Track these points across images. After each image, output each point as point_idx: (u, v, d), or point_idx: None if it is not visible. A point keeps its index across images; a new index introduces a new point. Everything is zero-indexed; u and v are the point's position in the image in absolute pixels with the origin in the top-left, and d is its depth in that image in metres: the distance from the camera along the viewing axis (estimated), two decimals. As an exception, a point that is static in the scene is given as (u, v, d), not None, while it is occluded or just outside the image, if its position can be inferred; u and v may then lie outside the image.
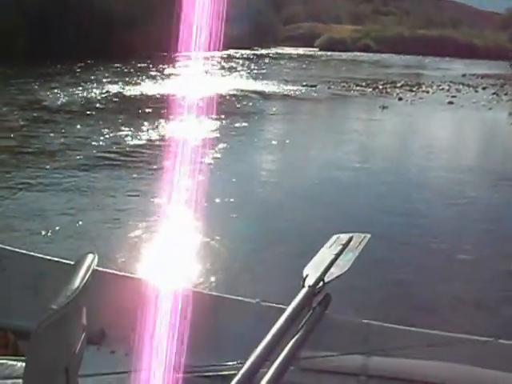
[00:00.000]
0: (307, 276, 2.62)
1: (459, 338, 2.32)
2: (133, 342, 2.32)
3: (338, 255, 2.83)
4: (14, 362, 1.93)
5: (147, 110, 13.19)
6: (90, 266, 1.70)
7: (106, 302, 2.50)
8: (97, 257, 1.77)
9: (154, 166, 8.19)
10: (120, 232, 5.85)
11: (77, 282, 1.60)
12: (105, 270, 2.66)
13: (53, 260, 2.73)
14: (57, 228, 5.86)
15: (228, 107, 14.45)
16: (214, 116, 12.25)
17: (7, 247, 2.85)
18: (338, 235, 3.10)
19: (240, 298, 2.63)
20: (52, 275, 2.50)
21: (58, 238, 5.68)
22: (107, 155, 9.08)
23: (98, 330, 2.55)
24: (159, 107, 12.87)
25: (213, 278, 4.73)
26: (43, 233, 5.75)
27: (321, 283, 2.59)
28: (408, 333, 2.40)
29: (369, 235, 3.11)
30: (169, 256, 4.65)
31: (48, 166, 8.32)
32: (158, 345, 2.43)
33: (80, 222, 6.09)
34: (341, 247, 2.93)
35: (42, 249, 5.22)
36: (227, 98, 16.22)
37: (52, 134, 10.55)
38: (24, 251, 2.82)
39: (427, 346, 2.23)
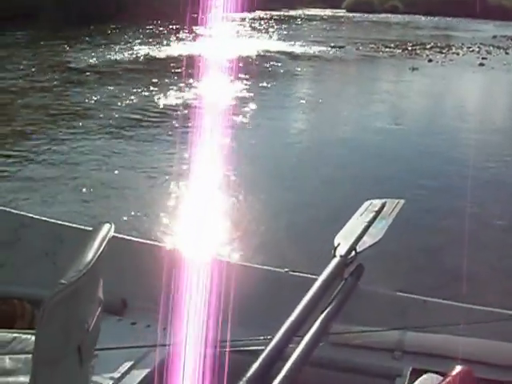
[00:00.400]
0: (338, 245, 2.43)
1: (503, 314, 2.10)
2: (155, 313, 2.17)
3: (370, 223, 2.63)
4: (28, 336, 1.78)
5: (177, 71, 12.95)
6: (104, 237, 1.51)
7: (129, 271, 2.34)
8: (113, 226, 1.59)
9: (187, 125, 8.02)
10: (151, 191, 5.75)
11: (89, 254, 1.41)
12: (127, 237, 2.49)
13: (71, 226, 2.56)
14: (89, 185, 5.81)
15: (258, 67, 14.17)
16: (244, 76, 12.01)
17: (24, 213, 2.68)
18: (370, 201, 2.89)
19: (267, 268, 2.42)
20: (71, 242, 2.33)
21: (90, 195, 5.62)
22: (139, 115, 8.95)
23: (119, 301, 2.36)
24: (189, 67, 12.64)
25: (239, 244, 4.55)
26: (75, 189, 5.72)
27: (353, 253, 2.41)
28: (447, 307, 2.19)
29: (403, 201, 2.90)
30: (196, 220, 4.53)
31: (80, 124, 8.26)
32: (181, 317, 2.26)
33: (111, 180, 6.01)
34: (373, 214, 2.72)
35: (73, 206, 5.26)
36: (256, 58, 15.89)
37: (83, 94, 10.43)
38: (41, 217, 2.66)
39: (468, 323, 2.02)
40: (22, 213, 2.70)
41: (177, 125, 8.26)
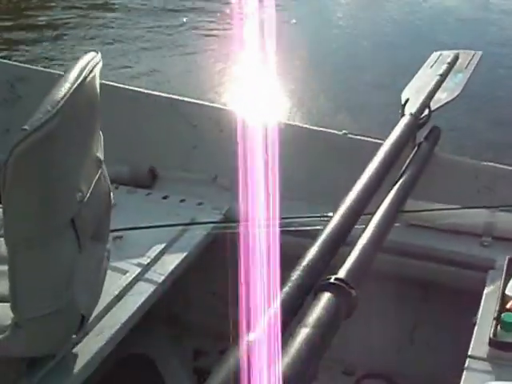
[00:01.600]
0: (407, 101, 1.88)
1: None
2: (190, 185, 1.84)
3: (443, 76, 2.08)
4: None
5: None
6: (84, 68, 1.06)
7: (160, 135, 1.93)
8: (99, 56, 1.12)
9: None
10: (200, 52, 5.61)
11: (61, 91, 0.97)
12: (154, 93, 2.04)
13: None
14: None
15: None
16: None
17: (18, 64, 2.24)
18: (439, 52, 2.31)
19: (322, 129, 1.93)
20: None
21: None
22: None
23: (147, 171, 1.95)
24: None
25: (287, 103, 4.04)
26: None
27: (426, 111, 1.87)
28: None
29: (480, 52, 2.32)
30: (239, 78, 4.15)
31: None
32: (218, 188, 1.84)
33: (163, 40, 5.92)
34: (446, 66, 2.15)
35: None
36: None
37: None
38: (38, 68, 2.24)
39: None
40: (16, 63, 2.25)
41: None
